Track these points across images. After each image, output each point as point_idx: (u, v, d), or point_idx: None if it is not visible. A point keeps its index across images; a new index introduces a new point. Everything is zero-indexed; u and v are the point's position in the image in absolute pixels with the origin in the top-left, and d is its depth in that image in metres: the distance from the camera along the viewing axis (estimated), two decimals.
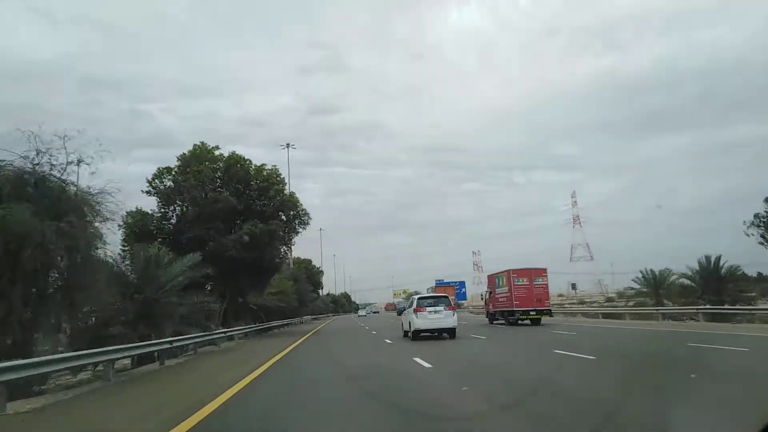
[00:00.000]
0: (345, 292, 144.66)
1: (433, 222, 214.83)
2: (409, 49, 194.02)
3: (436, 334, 19.25)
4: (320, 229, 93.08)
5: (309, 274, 69.01)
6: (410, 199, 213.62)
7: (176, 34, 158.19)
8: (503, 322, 27.80)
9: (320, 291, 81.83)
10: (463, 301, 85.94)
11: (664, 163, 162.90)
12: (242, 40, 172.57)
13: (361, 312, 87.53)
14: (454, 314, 19.23)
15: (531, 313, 26.00)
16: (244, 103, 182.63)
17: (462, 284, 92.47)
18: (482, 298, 37.52)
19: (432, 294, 21.51)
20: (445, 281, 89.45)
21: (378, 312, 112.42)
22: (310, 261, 76.39)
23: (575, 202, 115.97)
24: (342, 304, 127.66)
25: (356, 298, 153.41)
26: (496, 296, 29.12)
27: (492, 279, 30.66)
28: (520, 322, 26.27)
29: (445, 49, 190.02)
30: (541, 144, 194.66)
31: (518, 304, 26.16)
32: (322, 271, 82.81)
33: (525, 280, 26.55)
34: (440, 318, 18.78)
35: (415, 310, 18.94)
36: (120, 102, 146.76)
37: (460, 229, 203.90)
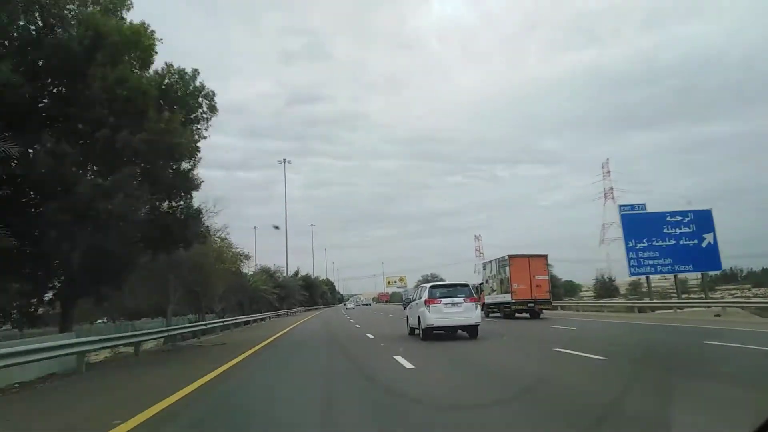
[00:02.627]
0: (328, 279, 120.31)
1: (422, 212, 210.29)
2: (392, 39, 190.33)
3: (452, 332, 15.09)
4: (284, 160, 70.46)
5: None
6: (394, 190, 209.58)
7: (148, 17, 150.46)
8: None
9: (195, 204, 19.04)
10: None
11: (646, 158, 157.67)
12: (220, 24, 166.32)
13: (350, 304, 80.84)
14: (476, 307, 14.96)
15: None
16: (221, 90, 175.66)
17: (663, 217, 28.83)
18: None
19: (448, 282, 17.05)
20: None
21: (369, 304, 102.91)
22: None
23: (608, 172, 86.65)
24: (323, 293, 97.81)
25: (340, 288, 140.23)
26: None
27: None
28: None
29: (428, 41, 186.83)
30: (525, 137, 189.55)
31: None
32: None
33: None
34: (459, 312, 14.52)
35: (427, 302, 14.61)
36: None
37: (455, 219, 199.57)
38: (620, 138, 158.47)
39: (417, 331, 16.28)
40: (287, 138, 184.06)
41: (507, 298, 25.65)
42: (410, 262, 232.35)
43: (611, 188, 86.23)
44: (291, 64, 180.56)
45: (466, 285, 15.88)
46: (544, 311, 25.94)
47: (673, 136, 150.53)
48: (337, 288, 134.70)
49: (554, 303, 29.85)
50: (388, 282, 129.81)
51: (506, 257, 26.11)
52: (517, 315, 25.33)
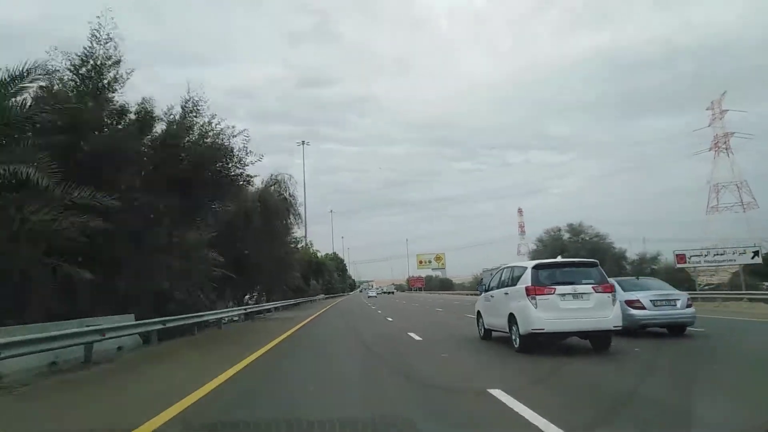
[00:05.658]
0: (335, 254, 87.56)
1: (434, 197, 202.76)
2: (402, 19, 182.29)
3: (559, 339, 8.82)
4: None
5: None
6: (404, 176, 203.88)
7: None
8: None
9: None
10: None
11: (659, 144, 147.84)
12: (226, 3, 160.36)
13: (371, 292, 73.12)
14: (614, 300, 8.54)
15: None
16: (229, 73, 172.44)
17: None
18: None
19: (562, 259, 10.63)
20: None
21: (392, 292, 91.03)
22: None
23: (722, 112, 60.79)
24: (326, 271, 63.21)
25: (352, 273, 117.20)
26: None
27: None
28: None
29: (438, 21, 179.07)
30: (536, 122, 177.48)
31: None
32: None
33: None
34: (587, 308, 8.31)
35: (530, 291, 8.36)
36: None
37: (499, 194, 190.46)
38: (635, 123, 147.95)
39: (495, 334, 10.27)
40: (295, 122, 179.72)
41: None
42: (433, 243, 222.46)
43: (726, 134, 61.37)
44: (298, 46, 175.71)
45: (595, 264, 9.19)
46: None
47: (687, 121, 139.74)
48: (349, 272, 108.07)
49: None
50: (420, 262, 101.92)
51: None
52: None
